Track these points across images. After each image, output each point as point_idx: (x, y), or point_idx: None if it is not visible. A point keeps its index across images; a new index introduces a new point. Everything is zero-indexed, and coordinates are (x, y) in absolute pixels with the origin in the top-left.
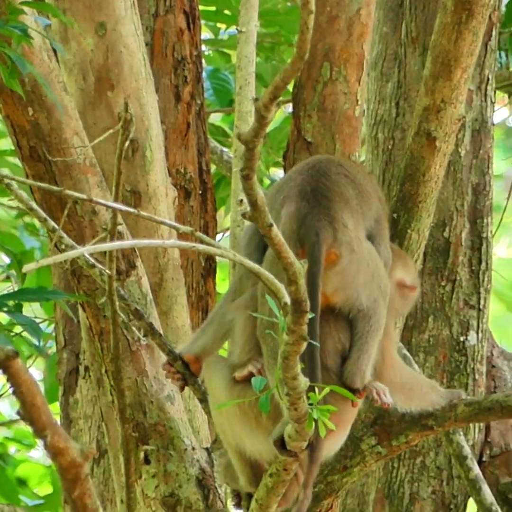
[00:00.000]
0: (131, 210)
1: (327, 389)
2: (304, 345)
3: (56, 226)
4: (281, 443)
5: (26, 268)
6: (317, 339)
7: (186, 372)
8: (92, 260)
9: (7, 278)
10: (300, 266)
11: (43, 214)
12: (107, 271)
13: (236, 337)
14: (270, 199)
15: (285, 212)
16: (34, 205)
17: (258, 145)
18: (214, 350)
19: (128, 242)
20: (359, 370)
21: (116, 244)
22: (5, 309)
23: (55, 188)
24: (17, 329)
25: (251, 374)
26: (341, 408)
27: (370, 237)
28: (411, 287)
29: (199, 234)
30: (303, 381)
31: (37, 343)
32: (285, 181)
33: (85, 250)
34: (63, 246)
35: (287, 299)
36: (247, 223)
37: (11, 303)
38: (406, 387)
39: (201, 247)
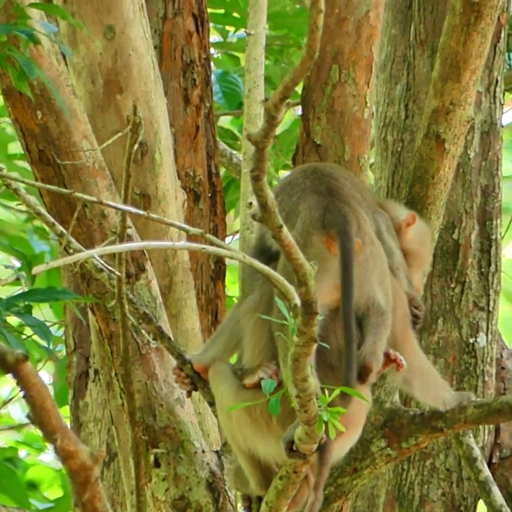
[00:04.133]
0: (141, 212)
1: (337, 391)
2: (314, 347)
3: (64, 230)
4: (290, 446)
5: (36, 269)
6: (354, 336)
7: (195, 375)
8: (101, 263)
9: (17, 280)
10: (310, 268)
11: (51, 219)
12: (117, 273)
13: (246, 342)
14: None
15: (304, 206)
16: (42, 209)
17: (268, 145)
18: (224, 361)
19: (138, 244)
20: (375, 351)
21: (126, 246)
22: (15, 310)
23: (64, 190)
24: (27, 332)
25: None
26: (351, 409)
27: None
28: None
29: (209, 236)
30: (313, 383)
31: (47, 346)
32: (287, 187)
33: (95, 252)
34: (71, 251)
35: (297, 300)
36: (253, 233)
37: (21, 304)
38: (424, 374)
39: (211, 249)
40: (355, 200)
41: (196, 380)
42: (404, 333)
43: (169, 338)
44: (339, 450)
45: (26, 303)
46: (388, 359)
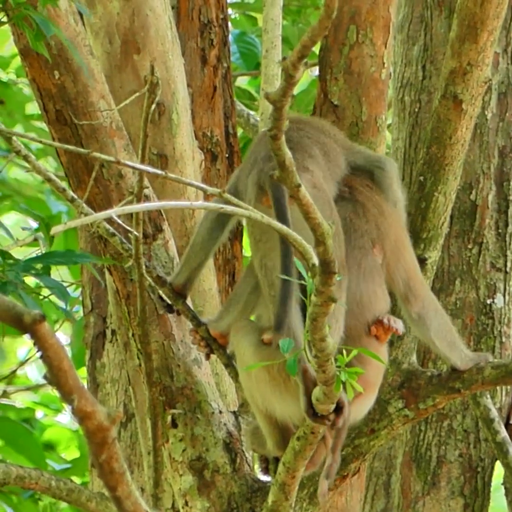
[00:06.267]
0: (158, 171)
1: (355, 351)
2: (332, 306)
3: (75, 196)
4: (313, 412)
5: (54, 230)
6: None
7: (210, 338)
8: (115, 224)
9: (35, 241)
10: (328, 227)
11: (61, 185)
12: (135, 233)
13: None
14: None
15: (249, 179)
16: (52, 175)
17: (286, 104)
18: None
19: (156, 204)
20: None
21: (144, 205)
22: (33, 272)
23: (82, 150)
24: (44, 292)
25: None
26: (368, 371)
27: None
28: None
29: (227, 195)
30: (331, 343)
31: (64, 307)
32: (249, 158)
33: (112, 212)
34: (82, 216)
35: (315, 260)
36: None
37: (39, 266)
38: (438, 313)
39: (229, 208)
40: (305, 153)
41: (211, 342)
42: (415, 274)
43: (184, 301)
44: (356, 412)
45: (44, 265)
46: (383, 328)
